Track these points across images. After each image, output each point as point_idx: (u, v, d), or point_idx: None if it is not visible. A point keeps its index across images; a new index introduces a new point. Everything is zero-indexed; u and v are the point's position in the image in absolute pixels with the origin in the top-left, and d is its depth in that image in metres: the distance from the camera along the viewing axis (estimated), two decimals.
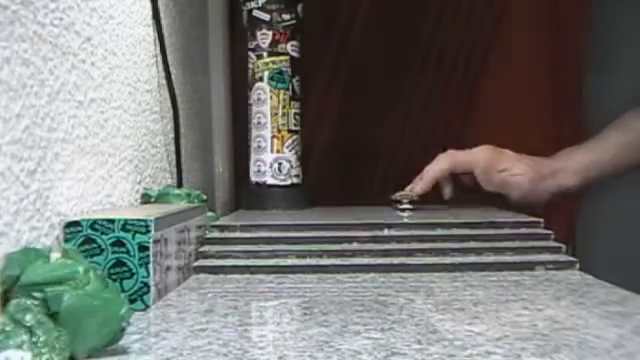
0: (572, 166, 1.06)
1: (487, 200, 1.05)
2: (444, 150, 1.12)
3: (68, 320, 0.46)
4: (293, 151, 1.17)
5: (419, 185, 1.04)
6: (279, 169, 1.15)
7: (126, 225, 0.61)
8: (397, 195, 1.04)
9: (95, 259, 0.60)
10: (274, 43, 1.15)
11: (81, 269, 0.48)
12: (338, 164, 1.45)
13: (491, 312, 0.61)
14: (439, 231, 0.86)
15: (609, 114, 1.21)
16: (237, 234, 0.86)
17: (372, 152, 1.45)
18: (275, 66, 1.15)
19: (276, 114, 1.16)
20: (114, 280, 0.60)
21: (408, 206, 1.02)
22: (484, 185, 1.04)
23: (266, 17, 1.15)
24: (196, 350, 0.50)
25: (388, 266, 0.80)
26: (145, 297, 0.62)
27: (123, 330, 0.49)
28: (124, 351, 0.50)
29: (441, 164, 1.06)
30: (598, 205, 1.27)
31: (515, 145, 1.43)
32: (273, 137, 1.16)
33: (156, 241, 0.63)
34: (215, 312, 0.62)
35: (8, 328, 0.42)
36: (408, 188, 1.05)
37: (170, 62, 0.99)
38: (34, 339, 0.43)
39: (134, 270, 0.62)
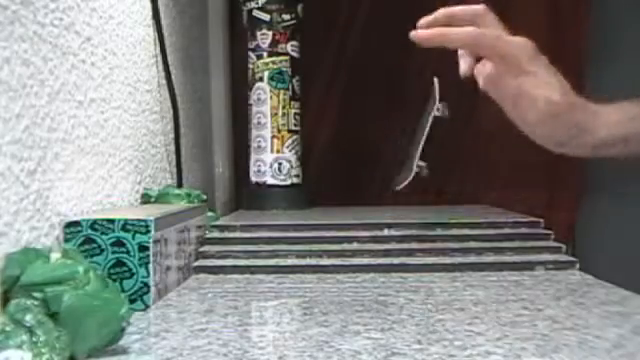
0: (606, 114, 0.86)
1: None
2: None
3: (68, 320, 0.46)
4: (293, 151, 1.17)
5: (424, 18, 0.80)
6: (279, 169, 1.15)
7: (126, 225, 0.61)
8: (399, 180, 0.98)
9: (95, 259, 0.60)
10: (274, 43, 1.15)
11: (81, 269, 0.48)
12: (338, 164, 1.45)
13: (491, 312, 0.61)
14: (439, 231, 0.86)
15: None
16: (237, 234, 0.86)
17: (372, 152, 1.45)
18: (275, 66, 1.16)
19: (276, 114, 1.16)
20: (114, 280, 0.60)
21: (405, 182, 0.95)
22: (493, 90, 0.79)
23: (266, 17, 1.15)
24: (196, 350, 0.50)
25: (388, 266, 0.80)
26: (145, 297, 0.62)
27: (123, 330, 0.49)
28: (124, 351, 0.50)
29: (467, 6, 0.80)
30: (598, 205, 1.27)
31: (514, 145, 1.44)
32: (273, 137, 1.16)
33: (156, 241, 0.63)
34: (215, 312, 0.62)
35: (8, 328, 0.42)
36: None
37: (170, 62, 0.99)
38: (34, 339, 0.43)
39: (134, 270, 0.62)
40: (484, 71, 0.78)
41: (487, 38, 0.78)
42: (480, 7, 0.82)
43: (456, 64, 0.85)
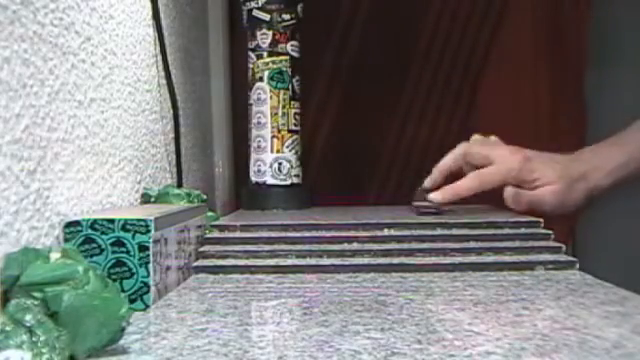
0: (603, 166, 1.00)
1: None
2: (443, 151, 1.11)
3: (68, 320, 0.46)
4: (293, 151, 1.17)
5: (427, 181, 0.98)
6: (279, 169, 1.15)
7: (126, 225, 0.61)
8: (417, 203, 0.97)
9: (95, 259, 0.60)
10: (274, 43, 1.15)
11: (81, 269, 0.48)
12: (338, 164, 1.45)
13: (491, 312, 0.61)
14: (439, 231, 0.86)
15: (610, 112, 1.21)
16: (237, 234, 0.86)
17: (372, 152, 1.45)
18: (275, 66, 1.15)
19: (276, 114, 1.16)
20: (114, 280, 0.60)
21: (431, 210, 0.95)
22: (512, 205, 0.96)
23: (266, 17, 1.15)
24: (196, 350, 0.50)
25: (388, 266, 0.80)
26: (145, 297, 0.62)
27: (123, 330, 0.49)
28: (124, 351, 0.50)
29: (453, 154, 0.99)
30: (598, 205, 1.27)
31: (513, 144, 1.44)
32: (273, 137, 1.16)
33: (156, 241, 0.63)
34: (215, 312, 0.62)
35: (8, 328, 0.42)
36: (420, 188, 0.99)
37: (170, 62, 0.99)
38: (34, 339, 0.43)
39: (134, 270, 0.62)
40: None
41: (487, 182, 0.95)
42: (461, 149, 1.00)
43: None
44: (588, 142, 1.43)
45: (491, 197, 0.99)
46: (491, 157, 0.96)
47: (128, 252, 0.61)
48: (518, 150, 0.97)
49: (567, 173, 0.97)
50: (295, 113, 1.17)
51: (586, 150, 1.03)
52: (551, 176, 0.95)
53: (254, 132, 1.17)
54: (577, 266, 0.80)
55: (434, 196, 0.95)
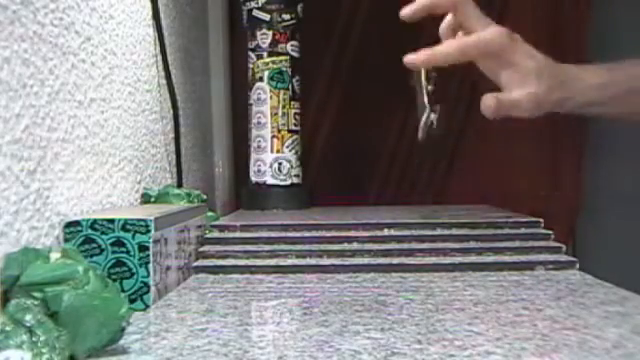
0: (583, 79, 0.93)
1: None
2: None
3: (68, 320, 0.46)
4: (293, 151, 1.17)
5: (406, 9, 0.87)
6: (279, 169, 1.15)
7: (126, 225, 0.61)
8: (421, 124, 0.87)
9: (95, 259, 0.60)
10: (274, 43, 1.15)
11: (81, 269, 0.48)
12: (338, 164, 1.45)
13: (491, 312, 0.61)
14: (439, 231, 0.86)
15: None
16: (237, 234, 0.86)
17: (372, 152, 1.45)
18: (275, 66, 1.16)
19: (276, 114, 1.16)
20: (114, 280, 0.60)
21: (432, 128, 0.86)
22: (490, 113, 0.82)
23: (266, 17, 1.15)
24: (196, 350, 0.50)
25: (388, 266, 0.80)
26: (145, 297, 0.62)
27: (123, 330, 0.49)
28: (124, 351, 0.50)
29: None
30: (598, 205, 1.27)
31: (515, 146, 1.44)
32: (273, 137, 1.16)
33: (156, 241, 0.63)
34: (215, 312, 0.62)
35: (8, 328, 0.42)
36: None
37: (170, 62, 0.99)
38: (34, 339, 0.43)
39: (134, 270, 0.62)
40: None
41: (470, 46, 0.83)
42: None
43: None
44: (589, 142, 1.43)
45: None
46: (483, 19, 0.87)
47: (128, 252, 0.61)
48: (507, 32, 0.89)
49: (549, 72, 0.89)
50: (295, 113, 1.17)
51: (575, 65, 0.96)
52: (530, 67, 0.85)
53: (254, 132, 1.17)
54: (577, 266, 0.80)
55: (409, 58, 0.86)
